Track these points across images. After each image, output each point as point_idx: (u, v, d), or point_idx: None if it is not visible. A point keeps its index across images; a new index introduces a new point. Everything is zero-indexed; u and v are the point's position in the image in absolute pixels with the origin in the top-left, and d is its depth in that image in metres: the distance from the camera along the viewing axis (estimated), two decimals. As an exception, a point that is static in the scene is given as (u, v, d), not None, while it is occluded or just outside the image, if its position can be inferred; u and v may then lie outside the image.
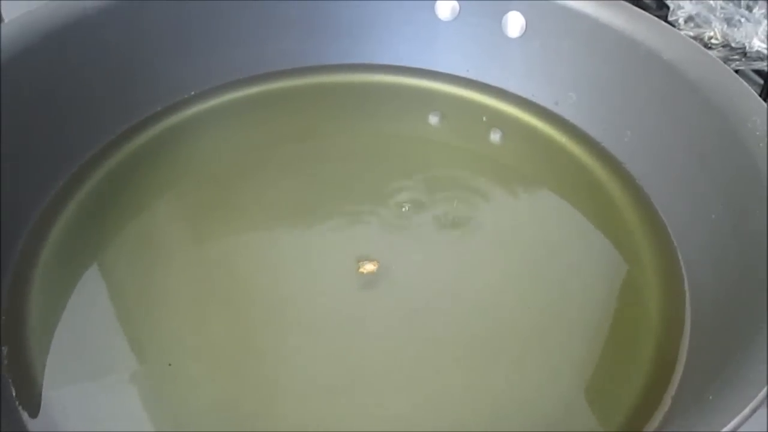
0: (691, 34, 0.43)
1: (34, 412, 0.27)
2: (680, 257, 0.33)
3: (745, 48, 0.43)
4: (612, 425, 0.27)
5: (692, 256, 0.33)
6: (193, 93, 0.42)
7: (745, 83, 0.32)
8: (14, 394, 0.27)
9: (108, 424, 0.27)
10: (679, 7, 0.44)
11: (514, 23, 0.41)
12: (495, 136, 0.42)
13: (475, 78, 0.44)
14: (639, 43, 0.36)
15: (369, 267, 0.32)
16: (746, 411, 0.18)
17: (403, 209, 0.36)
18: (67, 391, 0.28)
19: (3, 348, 0.28)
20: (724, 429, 0.18)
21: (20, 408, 0.27)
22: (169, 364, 0.28)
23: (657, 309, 0.32)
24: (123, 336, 0.30)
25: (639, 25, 0.37)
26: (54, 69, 0.35)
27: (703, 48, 0.35)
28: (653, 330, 0.31)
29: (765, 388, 0.19)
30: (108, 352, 0.29)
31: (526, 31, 0.41)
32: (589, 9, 0.38)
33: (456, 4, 0.42)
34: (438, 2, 0.42)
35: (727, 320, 0.28)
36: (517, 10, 0.40)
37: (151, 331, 0.30)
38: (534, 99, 0.42)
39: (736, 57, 0.44)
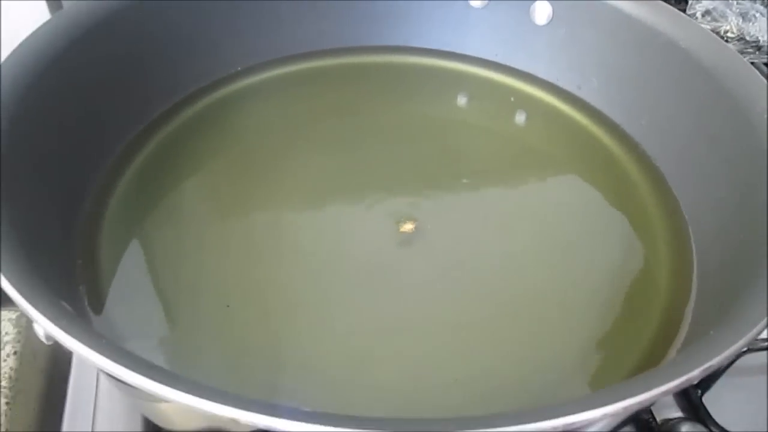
0: (708, 27, 0.46)
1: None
2: (690, 229, 0.36)
3: (758, 42, 0.45)
4: (623, 372, 0.30)
5: (701, 228, 0.36)
6: (239, 68, 0.45)
7: (755, 70, 0.34)
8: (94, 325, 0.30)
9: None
10: (698, 2, 0.46)
11: (542, 12, 0.44)
12: (521, 117, 0.45)
13: (503, 62, 0.47)
14: (659, 32, 0.39)
15: (408, 226, 0.35)
16: (743, 341, 0.21)
17: (437, 181, 0.39)
18: (130, 324, 0.31)
19: (81, 287, 0.32)
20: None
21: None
22: (228, 306, 0.32)
23: (666, 276, 0.35)
24: (182, 281, 0.33)
25: (659, 16, 0.39)
26: (114, 50, 0.38)
27: (718, 38, 0.37)
28: (662, 294, 0.34)
29: (760, 324, 0.22)
30: (167, 293, 0.32)
31: (552, 19, 0.44)
32: (614, 0, 0.41)
33: (487, -8, 0.45)
34: (470, -10, 0.45)
35: (729, 285, 0.31)
36: (545, -1, 0.43)
37: (209, 277, 0.33)
38: (558, 83, 0.45)
39: (750, 50, 0.47)
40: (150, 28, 0.40)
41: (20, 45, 0.33)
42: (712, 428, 0.32)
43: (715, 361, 0.20)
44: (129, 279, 0.33)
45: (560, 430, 0.18)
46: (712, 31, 0.45)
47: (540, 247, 0.36)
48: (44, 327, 0.20)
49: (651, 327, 0.32)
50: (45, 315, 0.20)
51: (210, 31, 0.43)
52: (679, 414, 0.33)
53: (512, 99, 0.45)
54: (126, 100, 0.39)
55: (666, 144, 0.39)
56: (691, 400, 0.33)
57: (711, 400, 0.33)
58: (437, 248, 0.35)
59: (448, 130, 0.44)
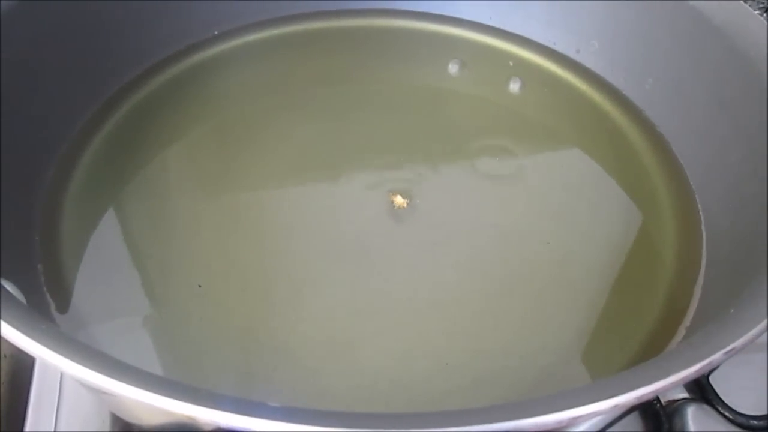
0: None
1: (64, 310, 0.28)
2: (698, 200, 0.34)
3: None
4: (627, 353, 0.28)
5: (710, 199, 0.34)
6: (216, 32, 0.43)
7: (770, 27, 0.32)
8: (53, 307, 0.28)
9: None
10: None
11: (538, -30, 0.41)
12: (516, 85, 0.42)
13: (497, 26, 0.44)
14: (664, -11, 0.36)
15: (398, 200, 0.33)
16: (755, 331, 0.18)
17: (428, 153, 0.37)
18: (97, 303, 0.29)
19: (39, 266, 0.29)
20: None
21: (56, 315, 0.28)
22: (199, 286, 0.29)
23: (674, 250, 0.33)
24: (154, 258, 0.30)
25: (665, -29, 0.37)
26: (79, 5, 0.35)
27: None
28: (669, 270, 0.32)
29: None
30: (138, 272, 0.30)
31: (549, -22, 0.41)
32: (615, -45, 0.38)
33: (481, -50, 0.42)
34: (463, -52, 0.43)
35: (742, 259, 0.29)
36: (541, -43, 0.41)
37: (181, 255, 0.31)
38: (556, 47, 0.43)
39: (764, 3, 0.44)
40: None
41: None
42: (720, 409, 0.30)
43: (740, 343, 0.17)
44: (93, 257, 0.31)
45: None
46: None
47: (537, 223, 0.34)
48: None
49: (657, 304, 0.30)
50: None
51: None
52: (684, 395, 0.31)
53: (511, 64, 0.42)
54: (93, 62, 0.37)
55: (672, 109, 0.37)
56: (697, 380, 0.31)
57: (718, 380, 0.31)
58: (427, 224, 0.33)
59: (440, 98, 0.41)
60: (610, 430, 0.29)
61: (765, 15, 0.43)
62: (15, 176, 0.30)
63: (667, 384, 0.16)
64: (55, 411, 0.29)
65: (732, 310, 0.20)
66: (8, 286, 0.22)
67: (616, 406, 0.15)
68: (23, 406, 0.30)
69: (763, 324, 0.18)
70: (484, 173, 0.36)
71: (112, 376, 0.15)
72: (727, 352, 0.17)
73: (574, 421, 0.15)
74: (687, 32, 0.35)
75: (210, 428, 0.16)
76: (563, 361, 0.28)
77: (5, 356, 0.34)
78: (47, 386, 0.31)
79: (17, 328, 0.16)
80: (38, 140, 0.33)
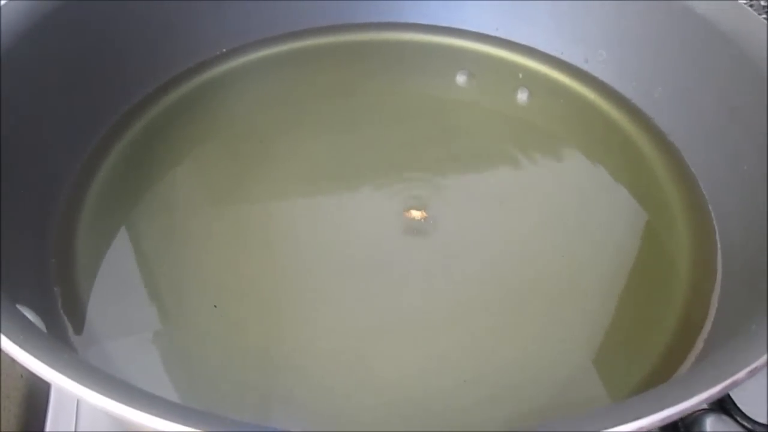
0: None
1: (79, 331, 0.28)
2: (711, 209, 0.34)
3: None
4: (646, 366, 0.28)
5: (723, 207, 0.33)
6: (224, 50, 0.43)
7: (780, 35, 0.32)
8: (70, 330, 0.28)
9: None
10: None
11: (544, -20, 0.41)
12: (523, 95, 0.42)
13: (504, 36, 0.44)
14: (672, -3, 0.36)
15: (412, 213, 0.33)
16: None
17: (439, 165, 0.37)
18: (112, 323, 0.29)
19: (55, 288, 0.29)
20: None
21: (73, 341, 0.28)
22: (215, 306, 0.29)
23: (688, 261, 0.32)
24: (168, 277, 0.30)
25: (672, -20, 0.37)
26: (88, 26, 0.36)
27: (737, 1, 0.35)
28: (684, 281, 0.32)
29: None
30: (152, 291, 0.30)
31: (556, -12, 0.41)
32: (622, -36, 0.38)
33: (486, -38, 0.42)
34: (468, -40, 0.43)
35: (758, 268, 0.29)
36: (547, -34, 0.41)
37: (195, 273, 0.31)
38: (563, 57, 0.43)
39: None
40: (129, 5, 0.38)
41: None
42: (739, 419, 0.30)
43: (763, 360, 0.17)
44: (108, 278, 0.31)
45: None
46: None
47: (551, 235, 0.34)
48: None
49: (673, 316, 0.30)
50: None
51: (193, 10, 0.41)
52: (703, 405, 0.31)
53: (521, 76, 0.42)
54: (104, 82, 0.37)
55: (682, 117, 0.37)
56: (716, 391, 0.31)
57: (737, 390, 0.31)
58: (440, 237, 0.33)
59: (449, 110, 0.41)
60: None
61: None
62: (29, 201, 0.30)
63: (691, 405, 0.16)
64: (74, 416, 0.30)
65: (753, 326, 0.20)
66: (27, 313, 0.22)
67: (640, 428, 0.15)
68: (40, 427, 0.31)
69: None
70: (495, 184, 0.36)
71: (138, 408, 0.15)
72: (750, 371, 0.17)
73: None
74: (695, 40, 0.35)
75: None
76: (581, 374, 0.28)
77: (21, 376, 0.34)
78: (64, 407, 0.31)
79: (40, 359, 0.16)
80: (51, 163, 0.33)
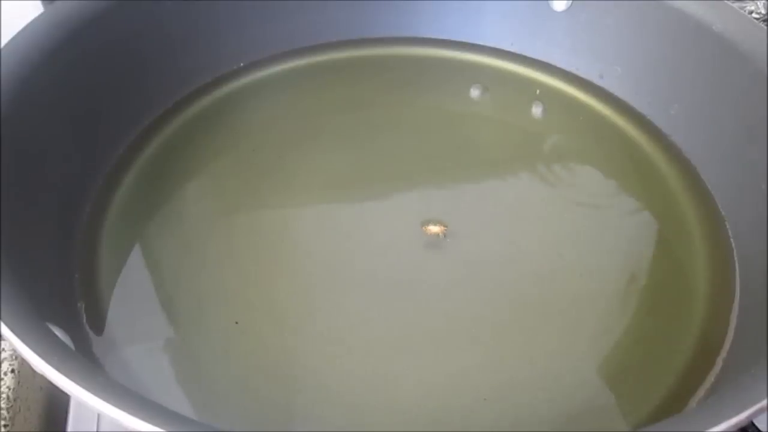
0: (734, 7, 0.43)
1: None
2: (728, 228, 0.34)
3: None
4: (664, 385, 0.28)
5: (741, 226, 0.33)
6: (242, 64, 0.43)
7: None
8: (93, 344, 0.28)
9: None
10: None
11: (560, -3, 0.41)
12: (538, 110, 0.42)
13: (519, 52, 0.44)
14: (688, 15, 0.36)
15: (431, 228, 0.33)
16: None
17: (455, 179, 0.37)
18: (134, 338, 0.29)
19: (79, 304, 0.29)
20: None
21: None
22: (236, 322, 0.30)
23: (705, 279, 0.33)
24: (189, 291, 0.31)
25: (687, -2, 0.37)
26: (110, 43, 0.36)
27: (753, 19, 0.35)
28: (702, 299, 0.32)
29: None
30: (173, 306, 0.30)
31: (572, 4, 0.41)
32: (637, -18, 0.38)
33: (502, -23, 0.43)
34: (484, -24, 0.43)
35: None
36: (564, -17, 0.41)
37: (216, 288, 0.31)
38: (578, 72, 0.43)
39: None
40: (148, 21, 0.38)
41: (12, 39, 0.31)
42: (757, 437, 0.30)
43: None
44: (130, 292, 0.31)
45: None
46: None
47: (566, 251, 0.34)
48: (33, 364, 0.17)
49: (692, 334, 0.30)
50: (34, 351, 0.18)
51: (211, 24, 0.41)
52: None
53: (538, 92, 0.42)
54: (124, 98, 0.37)
55: (698, 135, 0.37)
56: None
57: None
58: (459, 253, 0.33)
59: (464, 124, 0.41)
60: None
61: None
62: (53, 219, 0.31)
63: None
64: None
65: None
66: (56, 331, 0.22)
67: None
68: (62, 427, 0.31)
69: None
70: (511, 199, 0.37)
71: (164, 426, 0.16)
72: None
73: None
74: (712, 58, 0.35)
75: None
76: (600, 393, 0.28)
77: (41, 388, 0.34)
78: (83, 420, 0.31)
79: (77, 382, 0.17)
80: (73, 182, 0.33)
